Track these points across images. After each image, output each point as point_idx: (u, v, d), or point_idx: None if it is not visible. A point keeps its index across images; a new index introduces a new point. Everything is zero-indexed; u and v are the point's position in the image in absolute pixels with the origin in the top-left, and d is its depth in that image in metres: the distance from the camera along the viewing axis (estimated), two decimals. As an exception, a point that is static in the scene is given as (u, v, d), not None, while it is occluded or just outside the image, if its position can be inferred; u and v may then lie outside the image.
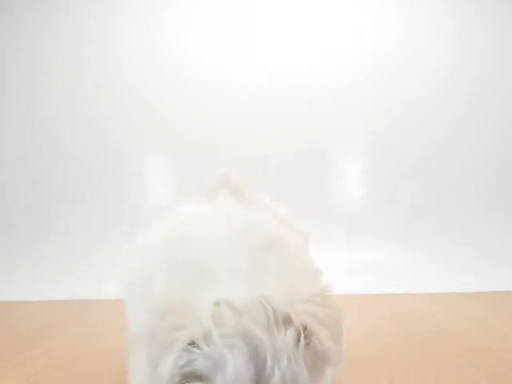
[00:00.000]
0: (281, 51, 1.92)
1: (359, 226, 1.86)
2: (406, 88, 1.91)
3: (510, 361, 0.88)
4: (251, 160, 1.84)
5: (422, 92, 1.91)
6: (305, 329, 0.43)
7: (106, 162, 1.93)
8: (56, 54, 1.96)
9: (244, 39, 1.93)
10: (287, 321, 0.43)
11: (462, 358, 0.89)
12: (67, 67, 1.96)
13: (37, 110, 1.96)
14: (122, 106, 1.94)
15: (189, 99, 1.92)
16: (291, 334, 0.42)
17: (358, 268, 1.65)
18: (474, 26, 1.90)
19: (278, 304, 0.44)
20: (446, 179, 1.90)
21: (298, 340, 0.42)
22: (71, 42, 1.96)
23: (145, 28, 1.94)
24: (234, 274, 0.52)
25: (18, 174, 1.96)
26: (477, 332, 1.07)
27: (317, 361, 0.44)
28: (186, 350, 0.42)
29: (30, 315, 1.42)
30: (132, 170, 1.95)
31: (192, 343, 0.42)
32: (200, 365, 0.41)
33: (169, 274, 0.56)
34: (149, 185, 1.98)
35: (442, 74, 1.90)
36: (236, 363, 0.40)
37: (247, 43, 1.93)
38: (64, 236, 1.89)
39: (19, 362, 0.94)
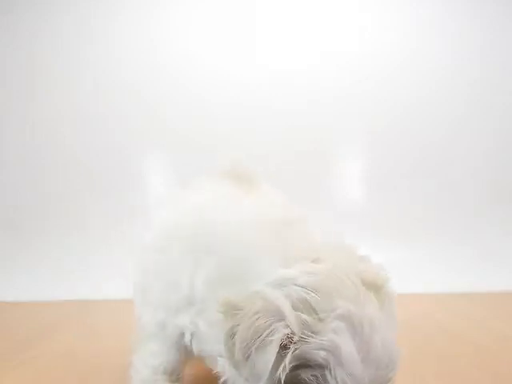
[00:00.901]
0: (281, 51, 1.92)
1: (359, 225, 1.86)
2: (406, 88, 1.91)
3: (510, 361, 0.88)
4: (251, 160, 1.84)
5: (422, 92, 1.90)
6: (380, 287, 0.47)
7: (106, 162, 1.93)
8: (56, 53, 1.96)
9: (244, 39, 1.92)
10: (366, 284, 0.46)
11: (462, 357, 0.89)
12: (67, 67, 1.96)
13: (37, 110, 1.96)
14: (122, 106, 1.94)
15: (189, 99, 1.92)
16: (373, 298, 0.45)
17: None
18: (474, 26, 1.90)
19: (348, 271, 0.46)
20: (446, 179, 1.89)
21: (381, 300, 0.45)
22: (71, 42, 1.96)
23: (145, 28, 1.94)
24: (274, 259, 0.51)
25: (17, 174, 1.95)
26: (477, 332, 1.07)
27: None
28: (285, 346, 0.41)
29: (30, 315, 1.42)
30: (132, 170, 1.95)
31: (288, 338, 0.42)
32: (312, 355, 0.41)
33: (207, 267, 0.57)
34: (149, 185, 1.98)
35: (442, 74, 1.90)
36: (344, 345, 0.41)
37: (247, 43, 1.92)
38: (64, 236, 1.89)
39: (19, 362, 0.94)
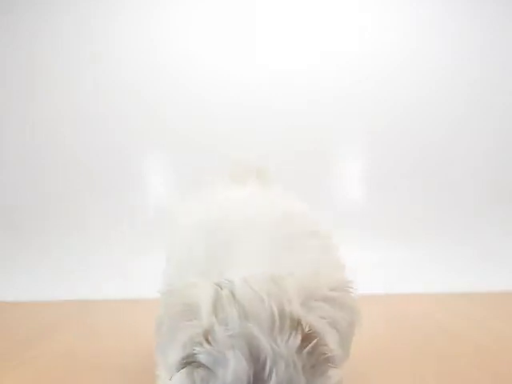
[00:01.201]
0: (281, 51, 1.92)
1: (359, 226, 1.86)
2: (406, 88, 1.91)
3: (510, 361, 0.88)
4: (251, 160, 1.84)
5: (422, 92, 1.90)
6: (312, 333, 0.43)
7: (106, 162, 1.93)
8: (56, 54, 1.96)
9: (244, 39, 1.92)
10: (294, 322, 0.42)
11: (462, 357, 0.89)
12: (67, 67, 1.96)
13: (37, 110, 1.96)
14: (122, 106, 1.94)
15: (189, 99, 1.92)
16: (295, 338, 0.41)
17: (357, 268, 1.65)
18: (474, 26, 1.90)
19: (288, 300, 0.43)
20: (446, 179, 1.89)
21: (302, 345, 0.42)
22: (71, 42, 1.96)
23: (145, 28, 1.94)
24: (256, 258, 0.52)
25: (18, 174, 1.95)
26: (477, 332, 1.07)
27: (320, 365, 0.43)
28: (188, 345, 0.42)
29: (30, 315, 1.42)
30: (132, 170, 1.95)
31: (196, 337, 0.42)
32: (203, 359, 0.42)
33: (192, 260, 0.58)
34: (149, 185, 1.98)
35: (442, 74, 1.90)
36: (236, 364, 0.40)
37: (247, 43, 1.92)
38: (64, 236, 1.89)
39: (19, 362, 0.94)
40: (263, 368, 0.40)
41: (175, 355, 0.43)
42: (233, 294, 0.43)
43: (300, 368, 0.41)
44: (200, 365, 0.42)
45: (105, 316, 1.36)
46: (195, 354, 0.42)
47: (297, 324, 0.42)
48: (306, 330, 0.42)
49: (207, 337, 0.42)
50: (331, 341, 0.43)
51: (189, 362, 0.43)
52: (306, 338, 0.42)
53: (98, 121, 1.95)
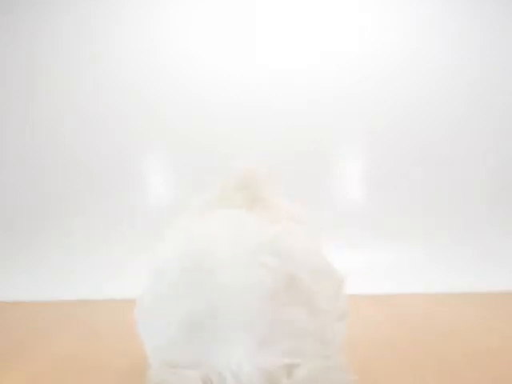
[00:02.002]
0: (281, 51, 1.92)
1: (359, 226, 1.86)
2: (406, 88, 1.90)
3: (510, 361, 0.88)
4: (251, 160, 1.84)
5: (422, 92, 1.90)
6: None
7: (106, 162, 1.93)
8: (56, 54, 1.96)
9: (244, 39, 1.92)
10: None
11: (463, 358, 0.89)
12: (67, 67, 1.96)
13: (37, 110, 1.96)
14: (122, 106, 1.94)
15: (189, 99, 1.92)
16: None
17: (357, 268, 1.65)
18: (474, 26, 1.90)
19: None
20: (446, 179, 1.89)
21: None
22: (71, 42, 1.96)
23: (145, 28, 1.94)
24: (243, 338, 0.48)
25: (18, 174, 1.95)
26: (477, 332, 1.07)
27: None
28: None
29: (30, 315, 1.42)
30: (132, 170, 1.95)
31: None
32: None
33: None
34: (149, 185, 1.98)
35: (442, 74, 1.90)
36: None
37: (247, 43, 1.92)
38: (64, 236, 1.89)
39: (19, 362, 0.94)
40: None
41: None
42: None
43: None
44: None
45: (105, 316, 1.36)
46: None
47: None
48: None
49: None
50: None
51: None
52: None
53: (98, 121, 1.94)
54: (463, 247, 1.77)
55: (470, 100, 1.90)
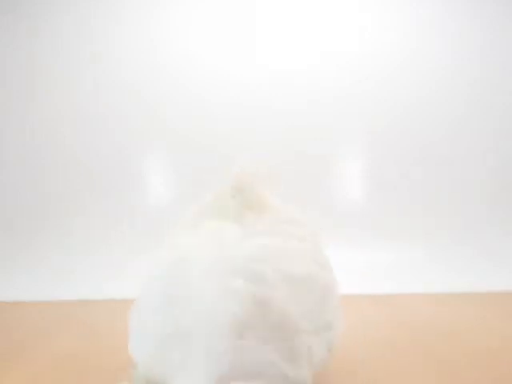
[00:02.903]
0: (281, 51, 1.92)
1: (359, 226, 1.86)
2: (406, 88, 1.91)
3: (510, 361, 0.88)
4: (251, 160, 1.84)
5: (422, 92, 1.90)
6: None
7: (106, 162, 1.93)
8: (56, 54, 1.96)
9: (244, 39, 1.92)
10: None
11: (463, 358, 0.89)
12: (67, 67, 1.96)
13: (37, 109, 1.96)
14: (122, 106, 1.94)
15: (189, 99, 1.92)
16: None
17: (357, 268, 1.65)
18: (474, 26, 1.90)
19: None
20: (446, 179, 1.89)
21: None
22: (71, 42, 1.96)
23: (145, 28, 1.94)
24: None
25: (18, 174, 1.95)
26: (477, 332, 1.07)
27: None
28: None
29: (30, 315, 1.42)
30: (132, 170, 1.95)
31: None
32: None
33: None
34: (149, 185, 1.98)
35: (442, 74, 1.90)
36: None
37: (247, 43, 1.92)
38: (64, 236, 1.89)
39: (19, 362, 0.94)
40: None
41: None
42: None
43: None
44: None
45: (105, 316, 1.36)
46: None
47: None
48: None
49: None
50: None
51: None
52: None
53: (98, 121, 1.94)
54: (463, 247, 1.77)
55: (470, 100, 1.90)
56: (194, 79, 1.93)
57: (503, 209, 1.87)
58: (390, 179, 1.90)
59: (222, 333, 0.50)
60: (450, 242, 1.80)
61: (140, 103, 1.93)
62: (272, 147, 1.88)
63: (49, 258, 1.83)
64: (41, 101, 1.96)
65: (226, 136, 1.89)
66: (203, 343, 0.50)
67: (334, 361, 0.71)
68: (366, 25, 1.91)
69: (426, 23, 1.91)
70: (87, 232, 1.90)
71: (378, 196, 1.91)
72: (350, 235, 1.82)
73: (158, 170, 2.00)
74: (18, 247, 1.87)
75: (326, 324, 0.63)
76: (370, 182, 1.94)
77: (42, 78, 1.96)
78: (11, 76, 1.97)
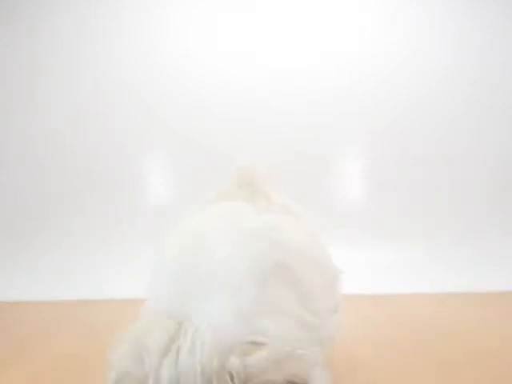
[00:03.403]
0: (281, 51, 1.92)
1: (359, 226, 1.86)
2: (406, 88, 1.90)
3: (510, 361, 0.88)
4: (252, 160, 1.84)
5: (422, 92, 1.90)
6: None
7: (106, 162, 1.93)
8: (56, 53, 1.96)
9: (244, 39, 1.92)
10: None
11: (463, 358, 0.89)
12: (67, 67, 1.96)
13: (37, 110, 1.96)
14: (122, 106, 1.94)
15: (189, 99, 1.92)
16: None
17: (357, 268, 1.65)
18: (474, 26, 1.90)
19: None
20: (446, 179, 1.89)
21: None
22: (71, 42, 1.96)
23: (145, 28, 1.94)
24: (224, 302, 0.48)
25: (18, 174, 1.96)
26: (477, 332, 1.07)
27: None
28: None
29: (30, 315, 1.42)
30: (132, 170, 1.95)
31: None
32: None
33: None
34: (149, 185, 1.98)
35: (442, 74, 1.90)
36: None
37: (247, 43, 1.92)
38: (64, 236, 1.89)
39: (19, 362, 0.94)
40: None
41: None
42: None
43: None
44: None
45: (105, 316, 1.36)
46: None
47: None
48: None
49: None
50: None
51: None
52: None
53: (98, 121, 1.95)
54: (463, 247, 1.77)
55: (470, 100, 1.90)
56: (193, 79, 1.93)
57: (503, 209, 1.87)
58: (389, 179, 1.90)
59: (247, 274, 0.51)
60: (449, 242, 1.80)
61: (140, 103, 1.93)
62: (272, 147, 1.88)
63: (49, 258, 1.83)
64: (41, 101, 1.96)
65: (226, 136, 1.89)
66: (227, 279, 0.50)
67: (335, 360, 0.72)
68: (365, 25, 1.91)
69: (425, 23, 1.91)
70: (87, 232, 1.90)
71: (377, 196, 1.91)
72: (350, 235, 1.82)
73: (157, 170, 2.00)
74: (18, 247, 1.87)
75: (334, 306, 0.66)
76: (370, 181, 1.94)
77: (42, 78, 1.96)
78: (11, 76, 1.97)
